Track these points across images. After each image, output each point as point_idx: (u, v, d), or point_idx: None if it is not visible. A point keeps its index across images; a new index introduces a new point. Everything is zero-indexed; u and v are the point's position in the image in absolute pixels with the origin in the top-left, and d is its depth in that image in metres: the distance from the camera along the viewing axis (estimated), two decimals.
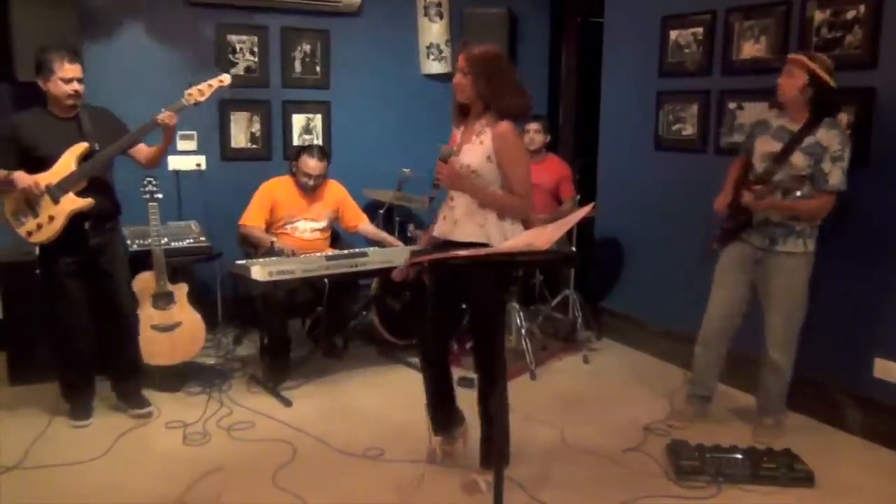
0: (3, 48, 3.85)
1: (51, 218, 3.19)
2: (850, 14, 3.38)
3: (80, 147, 3.25)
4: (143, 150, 3.49)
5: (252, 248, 4.22)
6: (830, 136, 3.10)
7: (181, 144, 4.73)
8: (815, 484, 2.97)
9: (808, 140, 3.13)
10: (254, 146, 4.99)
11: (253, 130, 4.97)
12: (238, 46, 4.85)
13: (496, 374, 2.75)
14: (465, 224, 2.81)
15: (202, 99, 3.42)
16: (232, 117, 4.89)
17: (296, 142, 5.02)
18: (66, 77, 3.19)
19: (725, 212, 3.38)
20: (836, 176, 3.10)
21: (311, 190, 4.28)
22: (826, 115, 3.14)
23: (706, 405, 3.63)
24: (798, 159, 3.14)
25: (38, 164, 3.19)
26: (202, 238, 4.28)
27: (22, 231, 3.22)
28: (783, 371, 3.36)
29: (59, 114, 3.28)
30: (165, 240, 4.00)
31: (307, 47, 5.06)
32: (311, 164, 4.22)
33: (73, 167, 3.22)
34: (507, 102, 2.72)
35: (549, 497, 2.89)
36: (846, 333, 3.51)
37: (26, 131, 3.22)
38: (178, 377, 3.93)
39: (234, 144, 4.93)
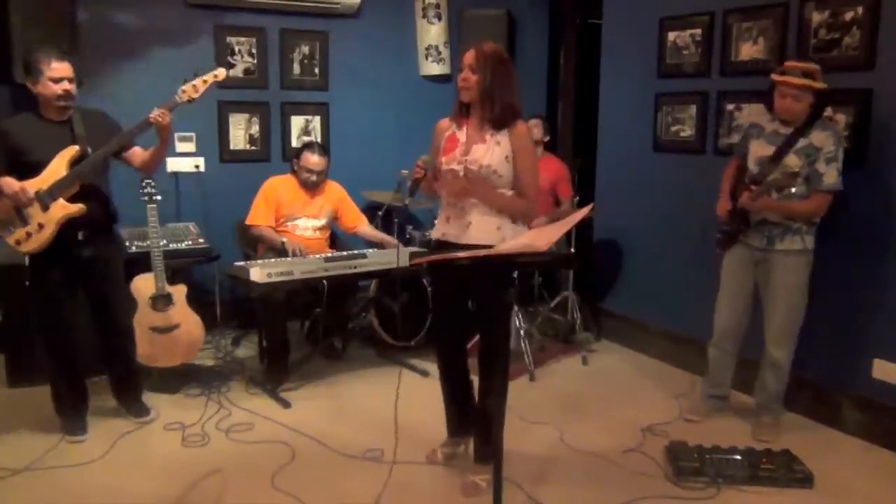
0: (1, 50, 3.85)
1: (40, 226, 3.05)
2: (848, 15, 3.38)
3: (72, 150, 3.09)
4: (137, 154, 3.32)
5: (253, 250, 4.22)
6: (824, 138, 3.14)
7: (180, 146, 4.73)
8: (814, 485, 2.97)
9: (802, 142, 3.18)
10: (252, 148, 4.99)
11: (251, 132, 4.98)
12: (237, 48, 4.85)
13: (497, 373, 2.76)
14: (480, 226, 2.78)
15: (196, 96, 3.24)
16: (230, 119, 4.89)
17: (294, 143, 5.02)
18: (54, 77, 3.04)
19: (726, 215, 3.41)
20: (831, 176, 3.14)
21: (313, 186, 4.30)
22: (819, 115, 3.19)
23: (722, 403, 3.68)
24: (791, 160, 3.18)
25: (29, 169, 3.05)
26: (201, 240, 4.28)
27: (10, 240, 3.09)
28: (782, 369, 3.38)
29: (51, 117, 3.13)
30: (164, 241, 3.99)
31: (306, 49, 5.06)
32: (314, 159, 4.24)
33: (63, 172, 3.06)
34: (508, 99, 2.73)
35: (547, 497, 2.89)
36: (845, 335, 3.52)
37: (15, 136, 3.07)
38: (177, 379, 3.93)
39: (232, 146, 4.93)
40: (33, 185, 3.04)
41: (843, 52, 3.42)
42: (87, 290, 3.32)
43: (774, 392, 3.43)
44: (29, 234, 3.07)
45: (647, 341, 4.64)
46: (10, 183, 3.00)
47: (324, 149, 4.36)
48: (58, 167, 3.08)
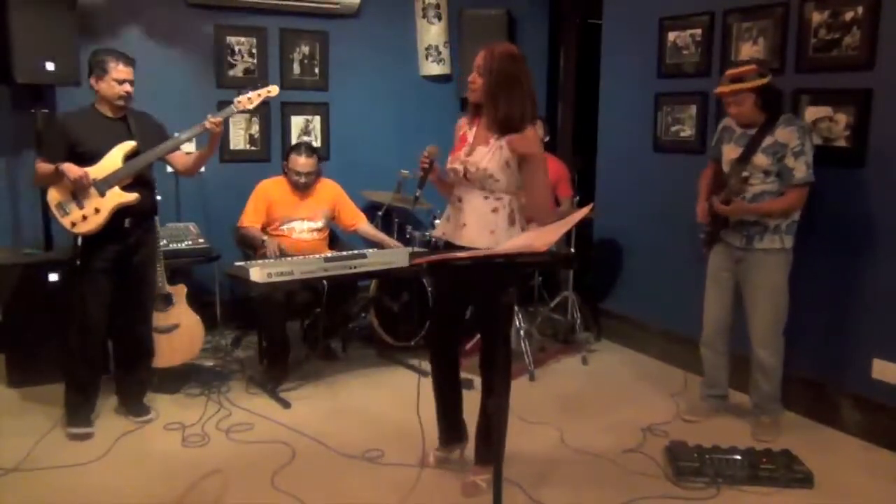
0: (1, 50, 3.85)
1: (96, 210, 3.24)
2: (848, 15, 3.38)
3: (129, 145, 3.31)
4: (180, 157, 3.56)
5: (251, 249, 4.23)
6: (788, 133, 3.19)
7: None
8: (814, 485, 2.97)
9: (768, 140, 3.23)
10: (252, 148, 4.99)
11: (252, 132, 4.98)
12: (237, 48, 4.85)
13: (498, 373, 2.75)
14: (473, 228, 2.76)
15: (250, 107, 3.51)
16: (231, 119, 4.86)
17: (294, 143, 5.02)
18: (119, 78, 3.27)
19: (705, 217, 3.48)
20: (801, 170, 3.18)
21: (303, 188, 4.29)
22: (776, 111, 3.24)
23: (721, 403, 3.69)
24: (760, 160, 3.24)
25: (84, 158, 3.24)
26: (201, 240, 4.28)
27: (66, 221, 3.25)
28: (772, 369, 3.39)
29: (108, 113, 3.34)
30: (164, 241, 4.00)
31: (306, 49, 5.06)
32: (301, 161, 4.23)
33: (119, 164, 3.28)
34: (513, 104, 2.65)
35: (547, 497, 2.89)
36: (844, 334, 3.52)
37: (74, 127, 3.28)
38: (177, 379, 3.93)
39: (232, 146, 4.93)
40: (91, 173, 3.23)
41: (843, 52, 3.42)
42: (127, 272, 3.43)
43: (768, 392, 3.43)
44: (85, 217, 3.26)
45: (647, 341, 4.64)
46: (73, 168, 3.18)
47: (312, 149, 4.33)
48: (115, 159, 3.29)
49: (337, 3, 4.99)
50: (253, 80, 4.84)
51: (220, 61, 4.81)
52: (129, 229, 3.37)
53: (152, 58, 4.62)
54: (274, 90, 3.57)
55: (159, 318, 3.77)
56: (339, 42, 5.15)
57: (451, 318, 3.01)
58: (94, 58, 3.31)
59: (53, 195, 3.26)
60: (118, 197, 3.27)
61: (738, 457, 3.06)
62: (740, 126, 3.35)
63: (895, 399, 3.33)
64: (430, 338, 3.16)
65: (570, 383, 4.20)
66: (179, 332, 3.83)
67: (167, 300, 3.80)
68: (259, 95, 3.51)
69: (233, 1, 4.73)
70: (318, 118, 5.16)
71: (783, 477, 2.98)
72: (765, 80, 3.19)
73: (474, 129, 2.84)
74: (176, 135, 3.42)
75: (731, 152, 3.37)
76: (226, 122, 4.74)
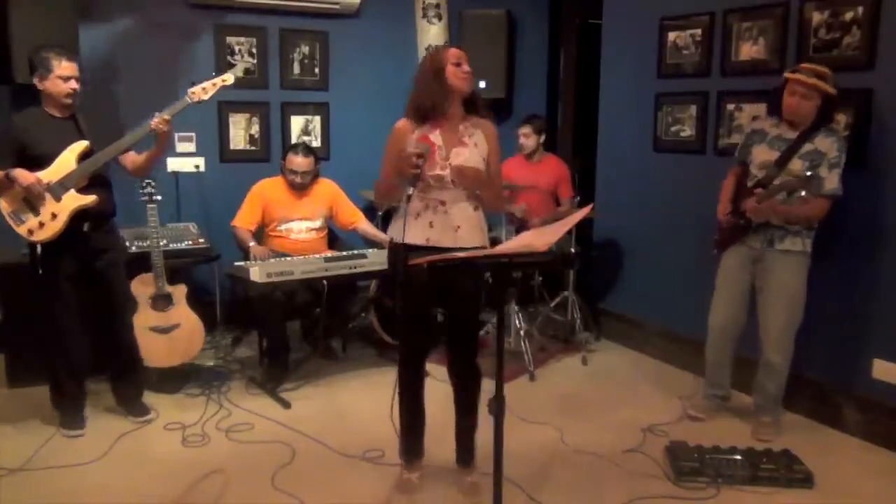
0: (1, 50, 3.85)
1: (53, 215, 3.15)
2: (849, 15, 3.38)
3: (81, 145, 3.22)
4: (129, 158, 3.42)
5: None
6: (829, 143, 3.16)
7: (180, 146, 4.73)
8: (814, 485, 2.98)
9: (807, 147, 3.19)
10: (252, 148, 4.99)
11: (252, 132, 4.98)
12: (237, 48, 4.85)
13: (479, 369, 2.84)
14: (468, 230, 2.78)
15: (206, 97, 3.37)
16: (231, 119, 4.89)
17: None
18: (64, 75, 3.17)
19: (727, 219, 3.42)
20: (832, 181, 3.16)
21: (300, 188, 4.29)
22: (825, 122, 3.19)
23: (723, 403, 3.69)
24: (796, 165, 3.20)
25: (35, 162, 3.15)
26: (201, 240, 4.28)
27: (22, 230, 3.16)
28: (781, 372, 3.38)
29: (56, 113, 3.25)
30: (164, 241, 4.00)
31: (306, 49, 5.06)
32: (297, 161, 4.24)
33: (73, 165, 3.18)
34: (479, 99, 2.89)
35: (547, 498, 2.89)
36: (845, 335, 3.52)
37: (24, 130, 3.18)
38: (177, 379, 3.93)
39: (232, 146, 4.93)
40: (44, 177, 3.14)
41: (843, 52, 3.42)
42: (93, 278, 3.37)
43: (773, 395, 3.43)
44: (42, 224, 3.17)
45: (647, 341, 4.64)
46: (25, 174, 3.10)
47: (308, 149, 4.34)
48: (67, 160, 3.21)
49: (337, 3, 4.99)
50: (252, 80, 4.87)
51: (220, 61, 4.80)
52: (89, 233, 3.28)
53: (152, 57, 4.62)
54: (229, 79, 3.42)
55: (159, 318, 3.77)
56: (339, 42, 5.15)
57: (427, 326, 2.94)
58: (35, 56, 3.18)
59: (4, 204, 3.15)
60: (75, 200, 3.17)
61: (739, 457, 3.06)
62: (786, 124, 3.27)
63: (895, 399, 3.33)
64: (403, 349, 2.94)
65: (570, 383, 4.20)
66: (179, 331, 3.83)
67: (167, 300, 3.80)
68: (214, 85, 3.37)
69: (233, 1, 4.73)
70: (318, 118, 5.16)
71: (783, 477, 2.98)
72: (835, 92, 3.14)
73: (437, 132, 2.79)
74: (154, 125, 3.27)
75: (763, 154, 3.32)
76: (226, 122, 4.84)
